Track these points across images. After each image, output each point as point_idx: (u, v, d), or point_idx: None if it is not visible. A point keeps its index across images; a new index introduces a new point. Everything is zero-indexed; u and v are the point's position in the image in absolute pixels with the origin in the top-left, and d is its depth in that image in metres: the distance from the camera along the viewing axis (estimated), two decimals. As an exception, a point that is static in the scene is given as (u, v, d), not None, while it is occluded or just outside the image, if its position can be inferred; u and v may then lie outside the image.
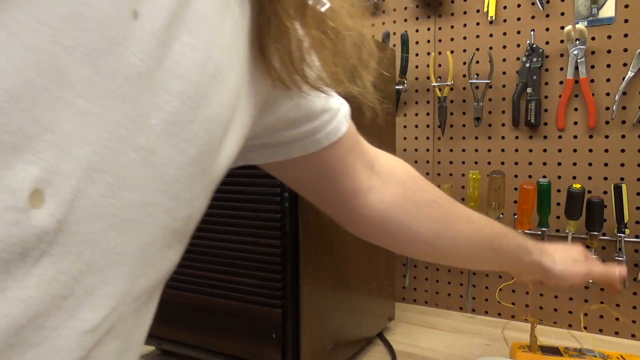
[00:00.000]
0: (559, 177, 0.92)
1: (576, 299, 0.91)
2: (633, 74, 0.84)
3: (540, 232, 0.91)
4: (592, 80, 0.88)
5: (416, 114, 1.05)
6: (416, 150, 1.05)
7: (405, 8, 1.05)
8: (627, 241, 0.85)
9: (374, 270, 0.82)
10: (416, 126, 1.05)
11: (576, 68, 0.88)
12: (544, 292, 0.93)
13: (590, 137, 0.89)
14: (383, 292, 0.86)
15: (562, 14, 0.90)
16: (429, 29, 1.02)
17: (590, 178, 0.89)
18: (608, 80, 0.87)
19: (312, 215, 0.64)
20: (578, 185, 0.85)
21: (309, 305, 0.64)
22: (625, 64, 0.85)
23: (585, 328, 0.89)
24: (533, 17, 0.93)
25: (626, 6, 0.85)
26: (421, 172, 1.01)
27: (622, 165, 0.86)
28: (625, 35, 0.85)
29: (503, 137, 0.96)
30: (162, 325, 0.73)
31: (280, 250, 0.62)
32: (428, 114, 1.03)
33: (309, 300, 0.64)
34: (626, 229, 0.84)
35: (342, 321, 0.73)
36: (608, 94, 0.87)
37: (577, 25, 0.87)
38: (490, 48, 0.96)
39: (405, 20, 1.05)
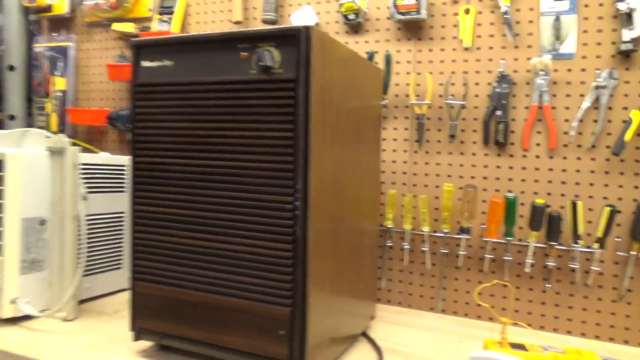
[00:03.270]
0: (522, 192, 1.02)
1: (548, 302, 1.02)
2: (589, 104, 0.96)
3: (505, 241, 1.01)
4: (554, 107, 0.99)
5: (395, 128, 1.13)
6: (394, 162, 1.13)
7: (388, 29, 1.13)
8: (581, 251, 0.96)
9: (361, 272, 0.89)
10: (394, 139, 1.13)
11: (540, 96, 0.99)
12: (520, 297, 1.04)
13: (551, 157, 1.00)
14: (367, 293, 0.93)
15: (529, 46, 1.01)
16: (409, 50, 1.11)
17: (549, 194, 1.00)
18: (567, 108, 0.99)
19: (320, 224, 0.70)
20: (541, 201, 0.96)
21: (314, 305, 0.70)
22: (582, 95, 0.97)
23: (542, 327, 1.00)
24: (504, 47, 1.03)
25: (584, 44, 0.97)
26: (398, 182, 1.10)
27: (577, 184, 0.98)
28: (583, 70, 0.97)
29: (474, 154, 1.06)
30: (166, 322, 0.77)
31: (291, 254, 0.67)
32: (406, 128, 1.12)
33: (314, 300, 0.70)
34: (580, 240, 0.95)
35: (336, 319, 0.79)
36: (567, 120, 0.99)
37: (542, 58, 0.98)
38: (465, 72, 1.06)
39: (387, 40, 1.13)
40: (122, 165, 1.16)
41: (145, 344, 0.86)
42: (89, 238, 1.05)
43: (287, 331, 0.68)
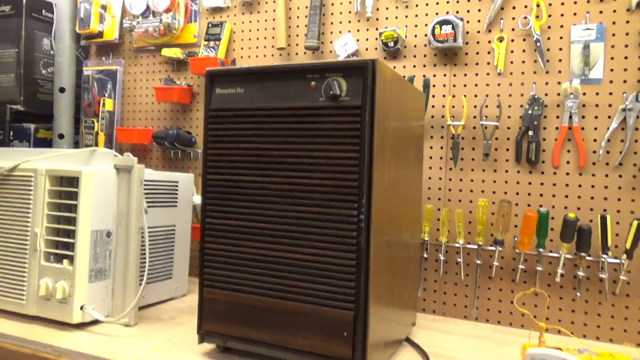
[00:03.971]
0: (553, 207, 1.10)
1: (578, 310, 1.08)
2: (616, 125, 1.03)
3: (536, 253, 1.08)
4: (583, 128, 1.07)
5: (431, 147, 1.21)
6: (430, 178, 1.21)
7: (425, 55, 1.21)
8: (609, 262, 1.03)
9: (406, 281, 0.96)
10: (431, 157, 1.21)
11: (570, 117, 1.07)
12: (550, 305, 1.11)
13: (580, 174, 1.07)
14: (410, 301, 1.00)
15: (559, 71, 1.09)
16: (445, 75, 1.19)
17: (579, 208, 1.07)
18: (595, 129, 1.06)
19: (379, 236, 0.77)
20: (573, 215, 1.03)
21: (373, 309, 0.77)
22: (609, 117, 1.05)
23: (572, 333, 1.07)
24: (535, 72, 1.11)
25: (611, 70, 1.05)
26: (434, 197, 1.18)
27: (605, 199, 1.05)
28: (610, 94, 1.05)
29: (507, 171, 1.14)
30: (232, 325, 0.84)
31: (355, 262, 0.75)
32: (442, 147, 1.20)
33: (373, 304, 0.77)
34: (609, 252, 1.02)
35: (388, 324, 0.86)
36: (595, 140, 1.06)
37: (572, 83, 1.06)
38: (498, 95, 1.14)
39: (424, 65, 1.21)
40: (176, 182, 1.24)
41: (208, 346, 0.93)
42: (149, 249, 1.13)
43: (350, 333, 0.75)
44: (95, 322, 1.04)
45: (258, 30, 1.43)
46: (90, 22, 1.58)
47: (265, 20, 1.41)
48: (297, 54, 1.37)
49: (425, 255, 1.19)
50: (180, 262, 1.28)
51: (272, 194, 0.80)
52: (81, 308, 1.01)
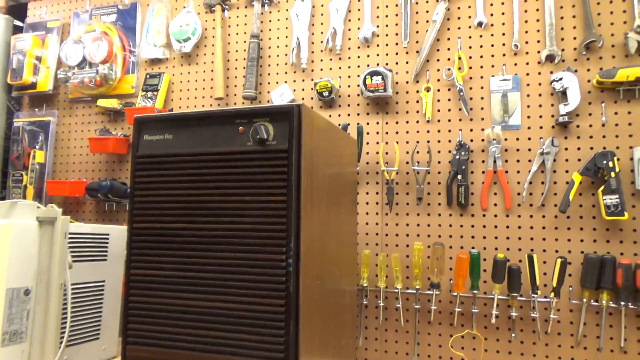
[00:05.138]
0: (484, 248, 1.13)
1: (514, 352, 1.09)
2: (536, 167, 1.09)
3: (471, 295, 1.10)
4: (507, 172, 1.12)
5: (367, 193, 1.23)
6: (367, 223, 1.22)
7: (358, 104, 1.26)
8: (539, 301, 1.06)
9: (343, 330, 0.95)
10: (367, 203, 1.22)
11: (494, 161, 1.12)
12: (488, 347, 1.11)
13: (507, 216, 1.12)
14: (348, 350, 0.98)
15: (482, 119, 1.15)
16: (377, 123, 1.23)
17: (508, 249, 1.11)
18: (518, 172, 1.12)
19: (310, 280, 0.76)
20: (502, 255, 1.06)
21: (305, 358, 0.75)
22: (530, 160, 1.11)
23: (511, 375, 1.07)
24: (460, 120, 1.17)
25: (528, 117, 1.12)
26: (371, 242, 1.18)
27: (532, 239, 1.09)
28: (529, 139, 1.12)
29: (439, 214, 1.17)
30: (160, 385, 0.79)
31: (284, 308, 0.73)
32: (377, 193, 1.22)
33: (304, 355, 0.74)
34: (538, 290, 1.05)
35: (324, 374, 0.83)
36: (519, 183, 1.11)
37: (494, 129, 1.12)
38: (428, 142, 1.19)
39: (358, 114, 1.25)
40: (107, 234, 1.19)
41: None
42: (71, 308, 1.06)
43: (281, 384, 0.72)
44: (8, 390, 0.95)
45: (197, 80, 1.44)
46: (22, 74, 1.54)
47: (204, 72, 1.43)
48: (235, 103, 1.38)
49: (365, 302, 1.18)
50: (109, 321, 1.21)
51: (200, 241, 0.78)
52: (-9, 375, 0.92)
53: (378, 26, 1.25)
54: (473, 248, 1.13)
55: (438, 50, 1.20)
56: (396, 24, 1.24)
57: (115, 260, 1.22)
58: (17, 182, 1.54)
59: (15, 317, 0.96)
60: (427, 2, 1.22)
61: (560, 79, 1.07)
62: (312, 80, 1.30)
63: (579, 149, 1.08)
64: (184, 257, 0.79)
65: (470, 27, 1.18)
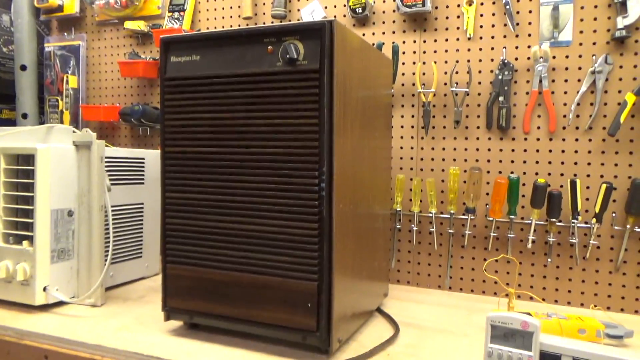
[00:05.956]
0: (524, 173, 1.08)
1: (549, 276, 1.08)
2: (585, 88, 1.02)
3: (508, 220, 1.08)
4: (553, 92, 1.05)
5: (402, 116, 1.18)
6: (401, 148, 1.19)
7: (394, 21, 1.18)
8: (579, 227, 1.03)
9: (376, 252, 0.95)
10: (402, 126, 1.18)
11: (540, 81, 1.05)
12: (522, 272, 1.10)
13: (550, 139, 1.06)
14: (381, 272, 0.99)
15: (529, 35, 1.07)
16: (414, 41, 1.16)
17: (549, 174, 1.07)
18: (565, 92, 1.04)
19: (342, 205, 0.75)
20: (542, 180, 1.02)
21: (338, 279, 0.76)
22: (579, 80, 1.03)
23: (543, 299, 1.07)
24: (505, 37, 1.09)
25: (581, 32, 1.03)
26: (406, 167, 1.16)
27: (576, 163, 1.04)
28: (580, 56, 1.03)
29: (478, 138, 1.12)
30: (197, 301, 0.82)
31: (317, 232, 0.73)
32: (413, 116, 1.17)
33: (338, 275, 0.75)
34: (579, 216, 1.02)
35: (356, 295, 0.85)
36: (565, 104, 1.04)
37: (542, 46, 1.04)
38: (468, 61, 1.12)
39: (393, 32, 1.18)
40: (142, 158, 1.21)
41: (175, 323, 0.91)
42: (113, 228, 1.10)
43: (314, 304, 0.74)
44: (60, 303, 1.01)
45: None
46: (49, -5, 1.51)
47: (231, -10, 1.36)
48: (264, 23, 1.32)
49: (399, 226, 1.18)
50: (150, 241, 1.25)
51: (232, 165, 0.77)
52: (44, 289, 0.98)
53: None
54: (512, 173, 1.09)
55: (483, -42, 1.09)
56: None
57: (152, 184, 1.25)
58: (54, 108, 1.56)
59: (61, 236, 1.01)
60: None
61: (621, -13, 0.97)
62: (345, -5, 1.22)
63: (635, 66, 0.99)
64: (217, 180, 0.79)
65: None
